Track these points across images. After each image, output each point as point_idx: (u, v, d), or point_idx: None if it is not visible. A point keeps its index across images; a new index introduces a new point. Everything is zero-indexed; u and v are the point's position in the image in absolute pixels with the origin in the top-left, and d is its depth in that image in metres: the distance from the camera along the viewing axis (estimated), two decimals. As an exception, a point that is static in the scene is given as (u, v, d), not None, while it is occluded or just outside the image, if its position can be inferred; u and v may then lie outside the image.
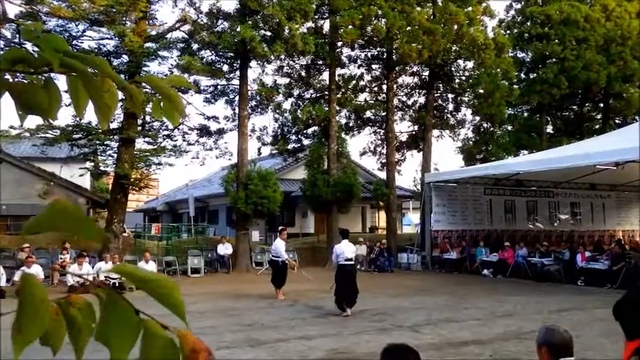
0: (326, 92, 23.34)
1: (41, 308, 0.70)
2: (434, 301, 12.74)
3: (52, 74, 0.90)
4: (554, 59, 25.92)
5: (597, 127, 29.62)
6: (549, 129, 29.79)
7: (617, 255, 16.23)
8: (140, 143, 20.54)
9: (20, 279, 0.71)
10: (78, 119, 18.37)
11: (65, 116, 25.01)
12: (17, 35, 17.86)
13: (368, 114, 26.16)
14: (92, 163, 22.29)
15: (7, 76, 0.89)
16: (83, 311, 0.77)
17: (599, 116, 30.53)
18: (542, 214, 25.16)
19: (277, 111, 23.59)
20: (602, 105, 29.72)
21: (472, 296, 13.61)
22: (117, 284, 15.20)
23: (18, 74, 0.90)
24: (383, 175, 26.45)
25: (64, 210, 0.69)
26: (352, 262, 11.43)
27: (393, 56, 23.42)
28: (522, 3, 27.70)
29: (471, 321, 10.20)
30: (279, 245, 13.55)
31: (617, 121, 29.35)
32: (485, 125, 27.58)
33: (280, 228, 14.84)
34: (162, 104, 1.05)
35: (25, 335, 0.71)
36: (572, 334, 3.10)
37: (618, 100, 28.02)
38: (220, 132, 22.81)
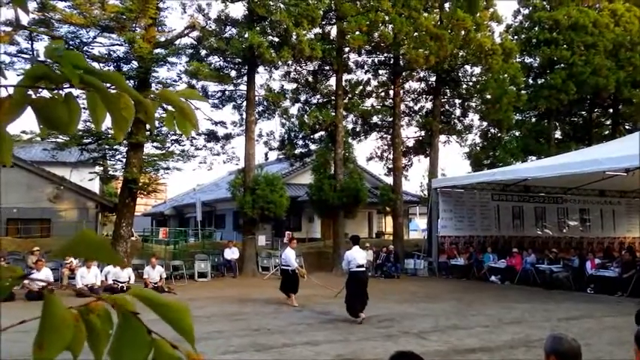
0: (333, 97, 23.39)
1: (62, 327, 0.72)
2: (441, 308, 12.71)
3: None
4: (562, 64, 25.84)
5: (606, 132, 29.47)
6: (557, 134, 29.65)
7: (627, 262, 16.03)
8: (149, 148, 20.68)
9: (44, 298, 0.74)
10: (89, 125, 18.51)
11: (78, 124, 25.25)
12: (30, 42, 18.06)
13: (375, 119, 26.17)
14: (101, 168, 22.44)
15: (30, 92, 0.92)
16: (102, 318, 0.80)
17: (608, 122, 30.37)
18: (551, 221, 25.03)
19: (284, 116, 23.66)
20: (611, 110, 29.56)
21: (479, 303, 13.57)
22: (124, 288, 15.29)
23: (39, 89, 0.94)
24: (390, 180, 26.43)
25: (90, 240, 0.73)
26: (364, 269, 11.23)
27: (400, 62, 23.45)
28: (530, 8, 27.63)
29: (478, 328, 10.16)
30: (289, 254, 13.52)
31: (626, 127, 29.18)
32: (492, 131, 27.50)
33: (290, 237, 14.85)
34: (175, 117, 1.08)
35: (46, 352, 0.74)
36: (581, 343, 3.10)
37: (628, 106, 27.87)
38: (228, 137, 22.92)
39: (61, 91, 0.94)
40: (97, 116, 0.98)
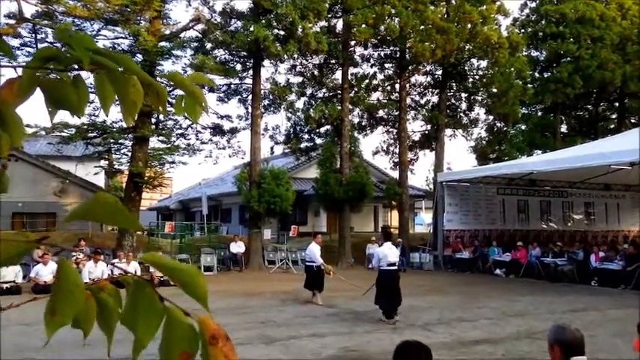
0: (339, 91, 23.35)
1: (75, 291, 0.73)
2: (446, 301, 12.73)
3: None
4: (568, 58, 25.73)
5: (612, 126, 29.38)
6: (563, 128, 29.57)
7: (631, 255, 16.07)
8: (154, 142, 20.70)
9: (57, 264, 0.75)
10: (94, 119, 18.59)
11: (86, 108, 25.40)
12: (34, 34, 18.09)
13: (381, 113, 26.15)
14: (107, 162, 22.49)
15: (38, 73, 0.93)
16: (112, 296, 0.81)
17: (614, 116, 30.27)
18: (556, 214, 25.00)
19: (290, 110, 23.63)
20: (617, 104, 29.46)
21: (484, 296, 13.58)
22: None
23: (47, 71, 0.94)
24: (395, 174, 26.43)
25: (105, 202, 0.73)
26: (396, 268, 10.44)
27: (406, 55, 23.39)
28: (537, 1, 27.50)
29: (483, 320, 10.18)
30: (314, 250, 12.75)
31: (632, 121, 29.07)
32: (498, 124, 27.45)
33: (315, 233, 14.58)
34: (184, 101, 1.08)
35: (59, 317, 0.74)
36: (585, 334, 3.10)
37: (634, 100, 27.76)
38: (233, 131, 22.93)
39: (69, 73, 0.94)
40: (105, 99, 0.98)
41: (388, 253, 10.26)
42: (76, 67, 0.94)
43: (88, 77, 0.98)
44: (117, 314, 0.80)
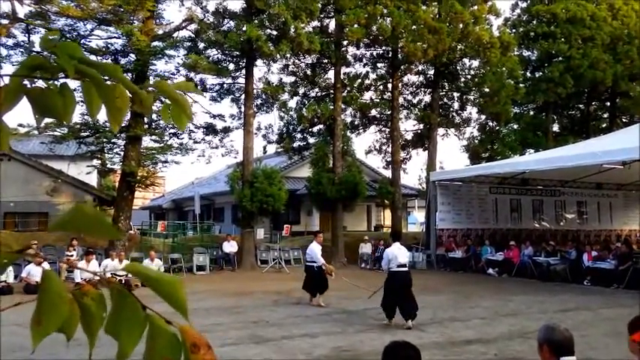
0: (331, 91, 23.37)
1: (59, 302, 0.75)
2: (438, 300, 12.76)
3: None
4: (560, 58, 25.85)
5: (604, 125, 29.54)
6: (555, 128, 29.71)
7: (623, 254, 16.14)
8: (147, 141, 20.67)
9: (42, 274, 0.76)
10: (87, 118, 18.50)
11: (73, 114, 25.28)
12: (27, 34, 18.01)
13: (373, 112, 26.17)
14: (99, 161, 22.41)
15: (25, 82, 0.94)
16: (96, 301, 0.82)
17: (605, 115, 30.44)
18: (548, 213, 25.10)
19: (283, 109, 23.64)
20: (608, 104, 29.63)
21: (477, 295, 13.63)
22: (123, 282, 15.30)
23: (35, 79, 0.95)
24: (388, 173, 26.48)
25: (85, 213, 0.74)
26: (407, 269, 10.00)
27: (399, 55, 23.42)
28: (528, 1, 27.59)
29: (475, 320, 10.22)
30: (315, 249, 12.31)
31: (623, 120, 29.24)
32: (490, 124, 27.52)
33: (316, 232, 14.33)
34: (170, 109, 1.10)
35: (44, 327, 0.76)
36: (576, 334, 3.14)
37: (625, 99, 27.92)
38: (226, 130, 22.90)
39: (56, 82, 0.96)
40: (92, 106, 0.99)
41: (398, 254, 9.92)
42: (64, 75, 0.96)
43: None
44: (100, 319, 0.81)
